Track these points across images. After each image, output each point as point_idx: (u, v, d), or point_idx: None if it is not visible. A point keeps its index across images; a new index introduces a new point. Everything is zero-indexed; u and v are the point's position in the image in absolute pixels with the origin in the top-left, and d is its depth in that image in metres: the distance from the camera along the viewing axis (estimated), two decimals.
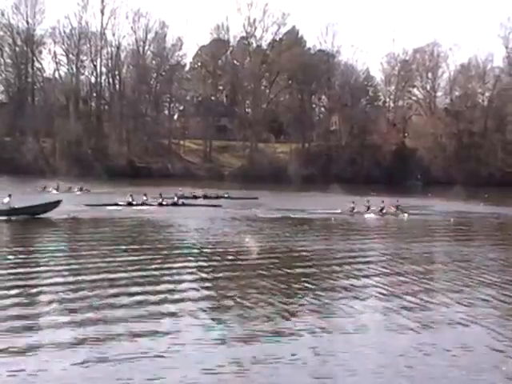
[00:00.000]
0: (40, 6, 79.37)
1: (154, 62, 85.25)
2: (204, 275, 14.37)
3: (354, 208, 31.48)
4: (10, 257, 16.04)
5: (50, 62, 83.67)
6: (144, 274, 14.00)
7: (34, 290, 12.06)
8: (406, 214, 31.61)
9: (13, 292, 11.77)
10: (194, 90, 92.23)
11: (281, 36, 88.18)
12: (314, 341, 9.41)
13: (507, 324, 10.76)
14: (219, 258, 17.06)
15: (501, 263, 17.69)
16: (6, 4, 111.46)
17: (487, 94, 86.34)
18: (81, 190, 42.80)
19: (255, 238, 20.80)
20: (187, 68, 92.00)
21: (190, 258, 16.94)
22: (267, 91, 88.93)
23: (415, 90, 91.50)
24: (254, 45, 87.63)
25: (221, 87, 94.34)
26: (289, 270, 15.22)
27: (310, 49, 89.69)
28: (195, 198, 39.26)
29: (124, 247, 18.40)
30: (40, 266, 14.92)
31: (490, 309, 11.74)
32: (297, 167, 75.29)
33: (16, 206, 25.00)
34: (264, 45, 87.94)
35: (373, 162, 79.68)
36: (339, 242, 21.46)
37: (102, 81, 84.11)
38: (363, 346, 9.23)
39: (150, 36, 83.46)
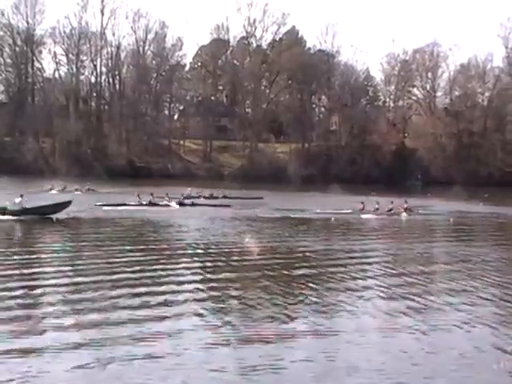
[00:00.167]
0: (40, 6, 79.71)
1: (154, 62, 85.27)
2: (208, 275, 14.38)
3: (363, 208, 31.50)
4: (15, 257, 16.05)
5: (50, 62, 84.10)
6: (148, 274, 13.98)
7: (38, 291, 12.05)
8: (405, 214, 31.65)
9: (17, 293, 11.76)
10: (194, 90, 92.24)
11: (281, 36, 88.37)
12: (317, 341, 9.42)
13: (511, 323, 10.76)
14: (224, 258, 17.01)
15: (502, 263, 17.73)
16: (6, 4, 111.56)
17: (487, 94, 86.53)
18: (88, 190, 42.79)
19: (266, 238, 20.98)
20: (187, 68, 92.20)
21: (196, 258, 17.02)
22: (267, 91, 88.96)
23: (415, 90, 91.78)
24: (254, 45, 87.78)
25: (221, 87, 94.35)
26: (292, 271, 15.23)
27: (309, 49, 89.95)
28: (207, 198, 38.97)
29: (129, 247, 18.43)
30: (44, 267, 14.92)
31: (493, 308, 11.77)
32: (296, 167, 75.30)
33: (27, 206, 25.23)
34: (264, 45, 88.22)
35: (373, 162, 79.74)
36: (340, 242, 21.46)
37: (102, 81, 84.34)
38: (366, 346, 9.25)
39: (150, 36, 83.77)
